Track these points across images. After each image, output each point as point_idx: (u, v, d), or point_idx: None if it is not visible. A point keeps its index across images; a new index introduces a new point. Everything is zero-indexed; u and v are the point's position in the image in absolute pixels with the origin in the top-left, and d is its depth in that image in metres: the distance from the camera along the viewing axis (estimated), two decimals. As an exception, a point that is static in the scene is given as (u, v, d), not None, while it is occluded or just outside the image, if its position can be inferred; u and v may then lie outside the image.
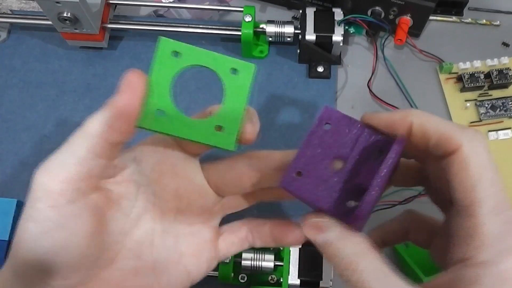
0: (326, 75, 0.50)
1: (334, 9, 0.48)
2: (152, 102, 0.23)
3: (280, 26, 0.48)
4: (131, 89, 0.22)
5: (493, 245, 0.21)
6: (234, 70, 0.24)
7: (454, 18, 0.52)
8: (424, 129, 0.23)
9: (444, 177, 0.23)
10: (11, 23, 0.52)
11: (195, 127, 0.24)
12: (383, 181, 0.22)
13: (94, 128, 0.22)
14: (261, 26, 0.48)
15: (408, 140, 0.23)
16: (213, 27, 0.50)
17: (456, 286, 0.21)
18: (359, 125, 0.25)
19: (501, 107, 0.47)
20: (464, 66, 0.48)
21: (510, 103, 0.47)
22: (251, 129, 0.25)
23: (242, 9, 0.48)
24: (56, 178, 0.21)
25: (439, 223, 0.28)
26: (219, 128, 0.24)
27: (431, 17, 0.51)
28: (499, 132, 0.46)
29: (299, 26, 0.48)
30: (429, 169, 0.26)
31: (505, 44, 0.51)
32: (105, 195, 0.24)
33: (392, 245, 0.38)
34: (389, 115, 0.24)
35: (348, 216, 0.23)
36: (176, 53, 0.23)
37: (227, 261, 0.39)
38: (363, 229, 0.23)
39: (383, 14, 0.49)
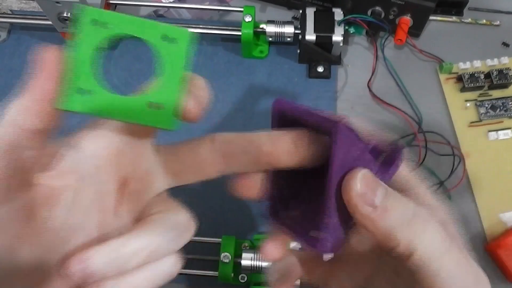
0: (326, 75, 0.50)
1: (334, 9, 0.48)
2: (73, 80, 0.20)
3: (280, 26, 0.48)
4: (43, 68, 0.20)
5: None
6: (167, 38, 0.21)
7: (454, 18, 0.52)
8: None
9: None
10: (11, 23, 0.52)
11: (126, 105, 0.21)
12: (332, 197, 0.20)
13: (10, 117, 0.20)
14: (261, 26, 0.48)
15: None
16: (213, 27, 0.50)
17: None
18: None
19: (501, 107, 0.47)
20: (464, 66, 0.48)
21: (510, 103, 0.47)
22: (193, 104, 0.21)
23: (242, 9, 0.48)
24: None
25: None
26: (154, 105, 0.21)
27: (431, 17, 0.51)
28: (499, 132, 0.46)
29: (299, 26, 0.48)
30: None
31: (505, 44, 0.51)
32: (37, 191, 0.21)
33: None
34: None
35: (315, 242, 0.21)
36: (99, 23, 0.21)
37: (227, 261, 0.39)
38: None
39: (383, 14, 0.49)
